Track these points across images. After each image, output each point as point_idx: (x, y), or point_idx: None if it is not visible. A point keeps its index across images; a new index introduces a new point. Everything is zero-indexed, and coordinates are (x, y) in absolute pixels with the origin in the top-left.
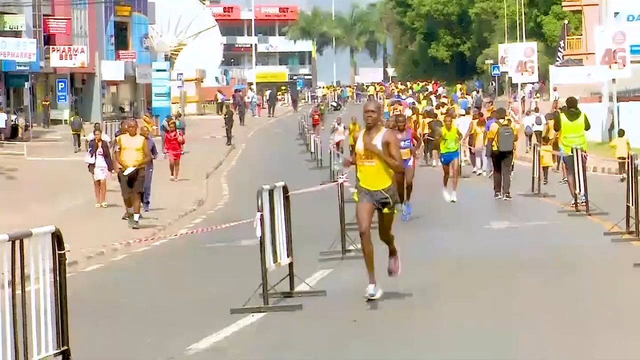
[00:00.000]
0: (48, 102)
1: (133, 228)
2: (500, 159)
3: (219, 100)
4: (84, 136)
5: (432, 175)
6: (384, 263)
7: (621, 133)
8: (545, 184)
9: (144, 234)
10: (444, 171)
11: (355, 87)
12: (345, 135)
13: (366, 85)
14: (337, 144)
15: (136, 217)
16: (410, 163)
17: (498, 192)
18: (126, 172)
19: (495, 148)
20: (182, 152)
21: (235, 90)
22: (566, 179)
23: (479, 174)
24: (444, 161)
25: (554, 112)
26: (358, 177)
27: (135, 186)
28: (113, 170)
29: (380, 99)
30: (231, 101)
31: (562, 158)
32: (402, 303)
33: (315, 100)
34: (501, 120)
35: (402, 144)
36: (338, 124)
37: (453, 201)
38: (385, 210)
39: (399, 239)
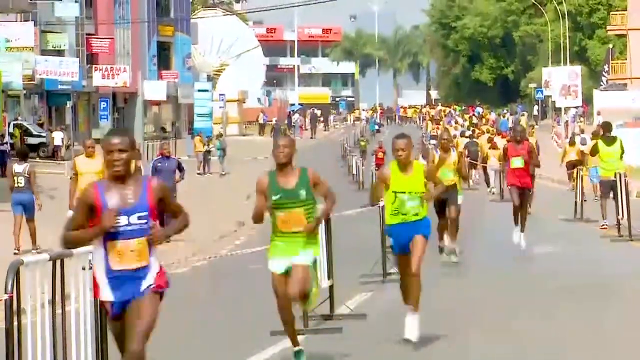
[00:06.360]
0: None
1: None
2: None
3: (261, 122)
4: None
5: (474, 196)
6: None
7: (572, 142)
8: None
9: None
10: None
11: (385, 110)
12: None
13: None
14: None
15: None
16: None
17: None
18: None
19: None
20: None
21: (289, 112)
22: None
23: (492, 192)
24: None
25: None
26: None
27: None
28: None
29: (422, 121)
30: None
31: (599, 182)
32: (441, 328)
33: (357, 123)
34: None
35: None
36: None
37: None
38: None
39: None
